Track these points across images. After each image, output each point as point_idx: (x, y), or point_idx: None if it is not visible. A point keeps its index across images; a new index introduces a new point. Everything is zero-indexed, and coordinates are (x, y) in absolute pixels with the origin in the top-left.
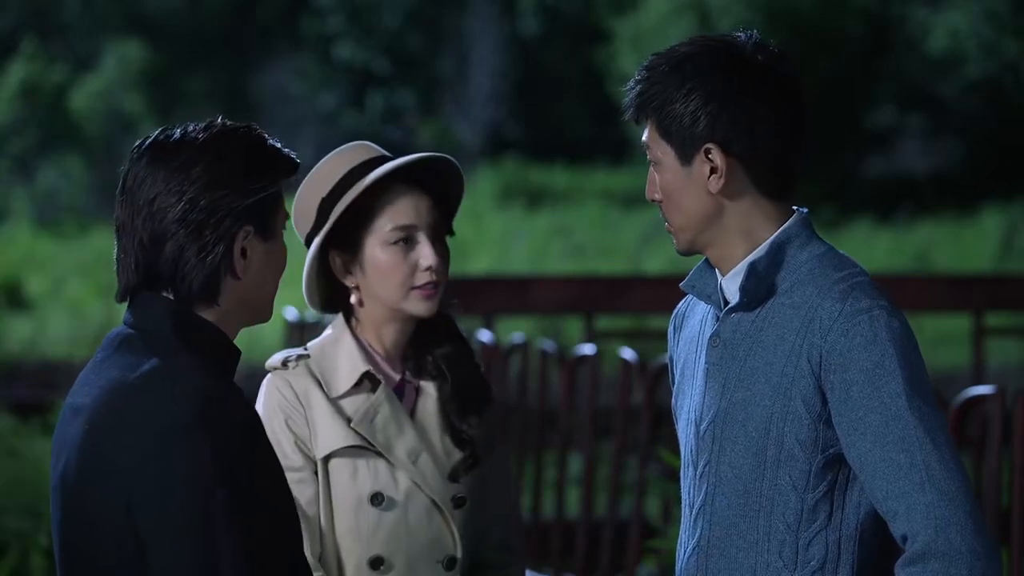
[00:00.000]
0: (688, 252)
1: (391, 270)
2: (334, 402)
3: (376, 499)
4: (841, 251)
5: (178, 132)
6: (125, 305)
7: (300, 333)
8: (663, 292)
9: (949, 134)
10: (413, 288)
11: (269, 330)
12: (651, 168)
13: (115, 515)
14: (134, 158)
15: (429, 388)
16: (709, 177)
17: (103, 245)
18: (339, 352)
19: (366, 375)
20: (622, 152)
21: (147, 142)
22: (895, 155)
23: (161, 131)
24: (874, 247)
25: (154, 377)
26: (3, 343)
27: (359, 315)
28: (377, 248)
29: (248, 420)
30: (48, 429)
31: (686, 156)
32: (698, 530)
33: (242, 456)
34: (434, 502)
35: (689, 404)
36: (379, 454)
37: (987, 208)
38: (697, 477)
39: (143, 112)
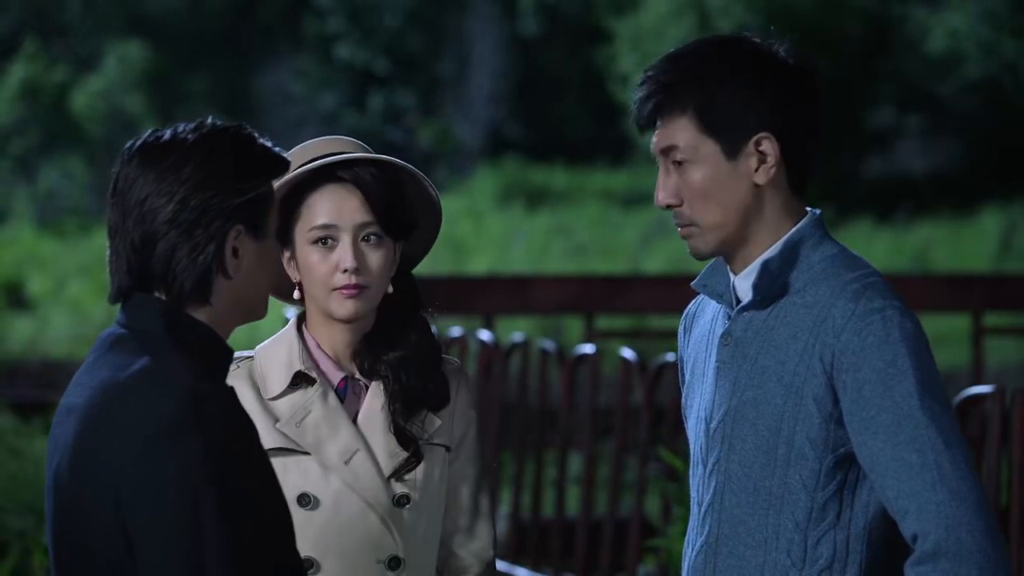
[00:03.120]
0: (712, 254)
1: (312, 270)
2: (267, 404)
3: (302, 500)
4: (854, 251)
5: (168, 133)
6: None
7: None
8: (663, 292)
9: (948, 134)
10: (333, 289)
11: (270, 331)
12: (669, 170)
13: (105, 514)
14: (124, 160)
15: (378, 388)
16: (757, 169)
17: (104, 245)
18: (279, 352)
19: (302, 375)
20: (622, 152)
21: (137, 143)
22: (894, 155)
23: (151, 132)
24: (873, 247)
25: (144, 376)
26: (5, 343)
27: (308, 311)
28: (305, 247)
29: (236, 421)
30: (49, 429)
31: (733, 149)
32: (707, 527)
33: (231, 456)
34: (368, 503)
35: (699, 402)
36: (309, 454)
37: (986, 208)
38: (707, 475)
39: (144, 112)
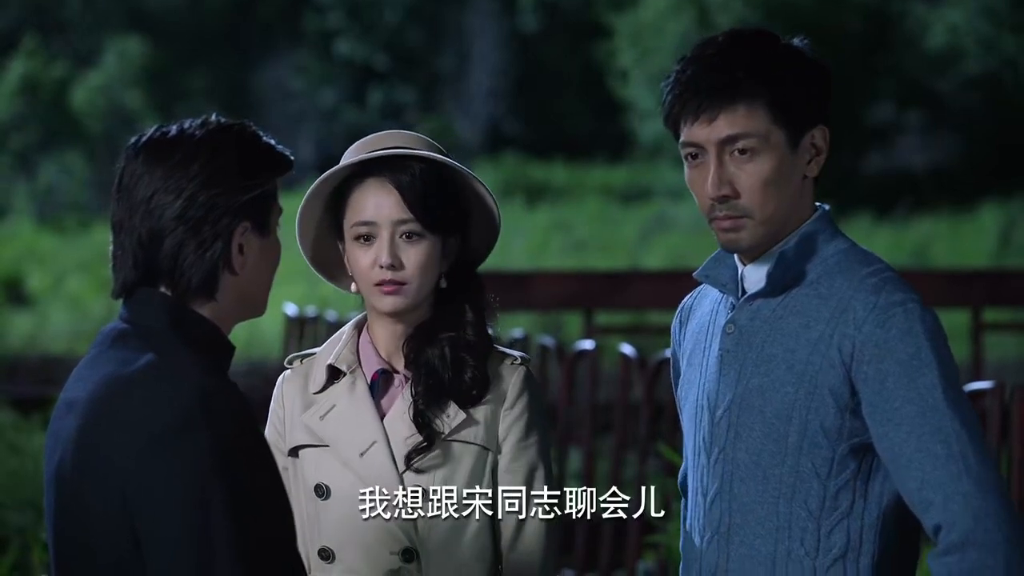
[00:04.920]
0: (751, 247)
1: (355, 265)
2: (308, 398)
3: (319, 491)
4: (864, 247)
5: (174, 129)
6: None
7: (300, 329)
8: (662, 287)
9: (948, 130)
10: (374, 284)
11: (269, 327)
12: (723, 161)
13: (110, 510)
14: (130, 156)
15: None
16: (810, 162)
17: (104, 241)
18: (329, 348)
19: (336, 369)
20: (621, 148)
21: (142, 139)
22: (894, 151)
23: (156, 128)
24: (873, 243)
25: (150, 372)
26: (4, 338)
27: (366, 305)
28: (350, 242)
29: (243, 417)
30: (49, 424)
31: (795, 139)
32: (716, 517)
33: (237, 453)
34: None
35: (698, 392)
36: (328, 447)
37: (986, 204)
38: (711, 464)
39: (144, 108)
